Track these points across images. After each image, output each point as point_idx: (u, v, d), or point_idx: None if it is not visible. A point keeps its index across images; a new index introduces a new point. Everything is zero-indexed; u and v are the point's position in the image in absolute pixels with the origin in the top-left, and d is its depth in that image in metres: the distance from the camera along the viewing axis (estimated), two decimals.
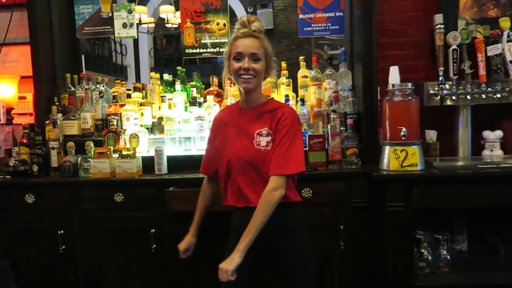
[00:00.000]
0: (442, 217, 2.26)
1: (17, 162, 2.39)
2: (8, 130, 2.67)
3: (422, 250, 2.18)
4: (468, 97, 2.33)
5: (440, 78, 2.33)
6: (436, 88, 2.35)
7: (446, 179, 2.03)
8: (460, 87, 2.35)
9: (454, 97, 2.35)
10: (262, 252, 1.57)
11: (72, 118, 2.58)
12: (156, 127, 2.57)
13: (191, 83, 2.74)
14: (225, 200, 1.64)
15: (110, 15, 2.80)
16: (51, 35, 2.74)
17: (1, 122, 2.60)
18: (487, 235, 2.28)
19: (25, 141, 2.47)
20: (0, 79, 2.70)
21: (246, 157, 1.55)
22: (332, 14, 2.66)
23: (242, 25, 1.56)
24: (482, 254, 2.26)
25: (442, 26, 2.35)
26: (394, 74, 2.18)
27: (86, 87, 2.73)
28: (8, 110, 2.68)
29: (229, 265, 1.42)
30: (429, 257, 2.17)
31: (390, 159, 2.07)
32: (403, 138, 2.04)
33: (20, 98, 2.76)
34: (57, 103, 2.62)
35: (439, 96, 2.34)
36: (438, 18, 2.37)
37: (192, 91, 2.65)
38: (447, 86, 2.35)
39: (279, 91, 2.60)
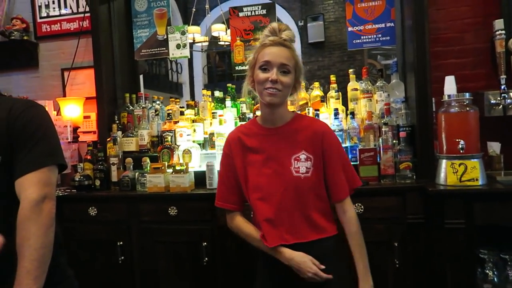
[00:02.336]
0: (509, 235, 2.09)
1: (81, 177, 2.57)
2: (74, 147, 2.89)
3: (487, 271, 2.03)
4: None
5: (502, 87, 2.19)
6: (498, 98, 2.21)
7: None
8: None
9: None
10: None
11: (131, 135, 2.74)
12: (208, 142, 2.65)
13: (241, 99, 2.80)
14: (265, 240, 1.40)
15: (165, 37, 2.96)
16: (112, 59, 2.95)
17: (68, 140, 2.82)
18: None
19: (89, 157, 2.66)
20: (69, 100, 2.94)
21: (284, 187, 1.38)
22: (383, 25, 2.60)
23: (272, 33, 1.40)
24: None
25: (503, 32, 2.21)
26: (449, 84, 2.08)
27: (143, 105, 2.89)
28: (75, 129, 2.91)
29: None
30: (495, 279, 2.01)
31: (448, 173, 1.96)
32: (461, 151, 1.93)
33: (85, 117, 2.98)
34: (117, 121, 2.80)
35: (501, 106, 2.20)
36: (499, 23, 2.24)
37: (241, 107, 2.71)
38: (511, 94, 2.20)
39: (329, 105, 2.58)
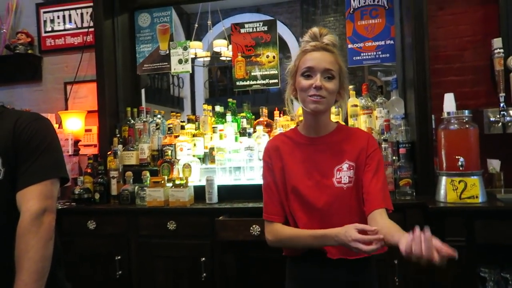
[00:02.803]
0: (510, 254, 2.07)
1: (81, 190, 2.57)
2: (75, 160, 2.90)
3: None
4: None
5: (501, 105, 2.21)
6: (498, 115, 2.22)
7: None
8: None
9: None
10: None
11: (131, 149, 2.74)
12: (208, 157, 2.65)
13: (242, 114, 2.81)
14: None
15: (168, 52, 2.99)
16: (115, 73, 2.97)
17: (69, 153, 2.83)
18: None
19: (89, 170, 2.66)
20: (70, 114, 2.96)
21: (324, 200, 1.30)
22: (382, 43, 2.64)
23: (312, 38, 1.34)
24: None
25: (502, 50, 2.24)
26: (449, 102, 2.10)
27: (144, 119, 2.90)
28: (76, 142, 2.91)
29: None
30: None
31: (447, 190, 1.96)
32: (461, 168, 1.93)
33: (86, 130, 2.99)
34: (118, 135, 2.80)
35: (500, 123, 2.21)
36: (497, 42, 2.27)
37: (242, 121, 2.72)
38: (510, 112, 2.21)
39: None
